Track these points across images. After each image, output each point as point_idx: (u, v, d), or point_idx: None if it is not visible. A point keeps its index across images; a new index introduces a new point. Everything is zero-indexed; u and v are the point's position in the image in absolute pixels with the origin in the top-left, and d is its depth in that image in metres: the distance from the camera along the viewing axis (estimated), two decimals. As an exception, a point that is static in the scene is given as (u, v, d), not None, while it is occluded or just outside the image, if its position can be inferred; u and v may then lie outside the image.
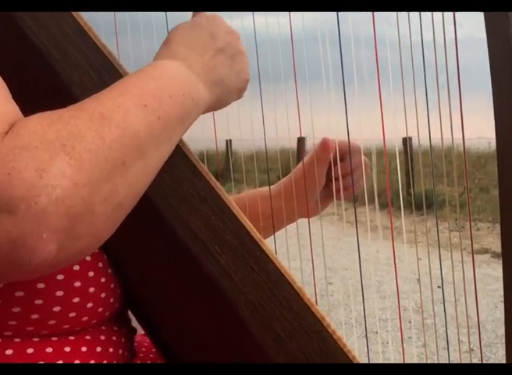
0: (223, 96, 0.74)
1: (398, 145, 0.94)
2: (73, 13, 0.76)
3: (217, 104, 0.74)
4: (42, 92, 0.72)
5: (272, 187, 1.07)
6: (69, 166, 0.50)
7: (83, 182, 0.50)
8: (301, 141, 3.29)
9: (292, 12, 0.81)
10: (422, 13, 0.71)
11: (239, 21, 0.81)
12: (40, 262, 0.50)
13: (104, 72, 0.75)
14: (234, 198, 0.98)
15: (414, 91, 0.76)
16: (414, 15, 0.72)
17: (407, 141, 7.51)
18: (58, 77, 0.72)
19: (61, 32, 0.74)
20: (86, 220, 0.51)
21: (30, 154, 0.49)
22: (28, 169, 0.48)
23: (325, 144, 1.02)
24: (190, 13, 0.81)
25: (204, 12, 0.79)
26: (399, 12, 0.73)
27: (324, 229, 1.01)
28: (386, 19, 0.76)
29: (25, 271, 0.51)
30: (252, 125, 0.90)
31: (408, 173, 6.90)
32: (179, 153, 0.77)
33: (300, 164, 1.07)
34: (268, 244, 0.80)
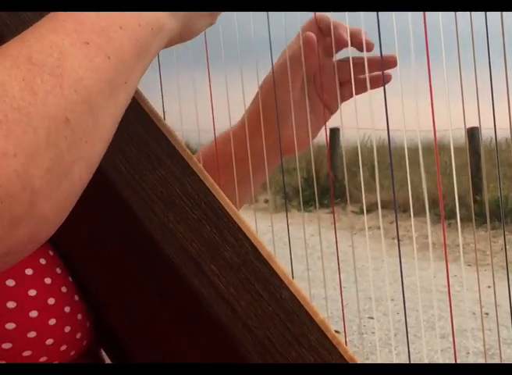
0: (191, 19, 0.72)
1: (455, 138, 0.93)
2: None
3: (184, 31, 0.71)
4: None
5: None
6: None
7: (14, 150, 0.48)
8: (334, 132, 3.28)
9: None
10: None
11: None
12: None
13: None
14: (202, 152, 0.97)
15: (475, 66, 0.75)
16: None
17: (471, 133, 7.49)
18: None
19: None
20: (24, 199, 0.49)
21: None
22: None
23: (308, 40, 0.98)
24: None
25: None
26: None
27: (363, 246, 1.00)
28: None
29: None
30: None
31: (474, 174, 6.86)
32: (165, 146, 0.77)
33: (268, 76, 1.03)
34: (283, 263, 0.80)
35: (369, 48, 0.94)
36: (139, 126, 0.76)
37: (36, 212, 0.51)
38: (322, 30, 1.00)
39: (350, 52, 0.94)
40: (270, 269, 0.77)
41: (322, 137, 1.08)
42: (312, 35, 0.97)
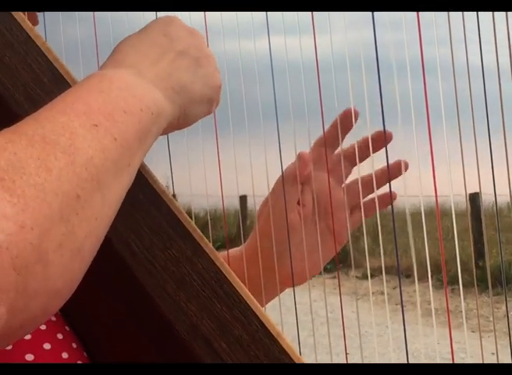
0: (189, 107, 0.74)
1: (456, 203, 0.93)
2: (49, 54, 0.78)
3: (182, 118, 0.74)
4: None
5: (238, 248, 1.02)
6: (11, 204, 0.49)
7: (31, 224, 0.50)
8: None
9: (317, 33, 0.82)
10: (483, 33, 0.72)
11: (250, 43, 0.83)
12: None
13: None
14: None
15: (474, 132, 0.76)
16: (471, 33, 0.73)
17: (473, 198, 7.49)
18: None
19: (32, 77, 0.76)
20: (39, 273, 0.50)
21: None
22: None
23: (302, 158, 0.96)
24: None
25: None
26: (452, 32, 0.74)
27: (366, 312, 0.99)
28: (436, 40, 0.76)
29: None
30: (269, 177, 0.91)
31: (476, 239, 6.84)
32: (176, 226, 0.78)
33: (263, 204, 1.01)
34: (285, 329, 0.79)
35: (389, 139, 0.93)
36: (151, 206, 0.77)
37: (49, 286, 0.52)
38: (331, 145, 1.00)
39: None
40: (279, 347, 0.77)
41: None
42: (305, 152, 0.97)
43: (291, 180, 0.97)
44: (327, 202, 1.00)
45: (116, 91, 0.64)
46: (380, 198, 0.97)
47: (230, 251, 0.99)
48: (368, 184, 0.96)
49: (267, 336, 0.77)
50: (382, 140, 0.92)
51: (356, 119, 0.94)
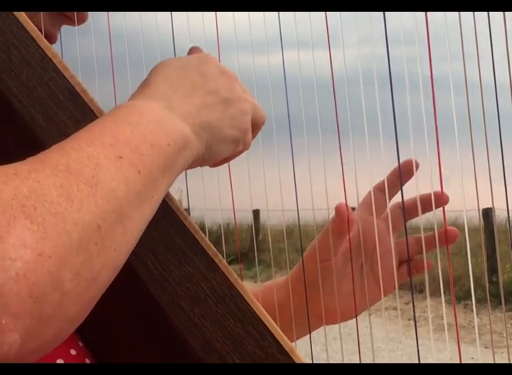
0: (214, 145, 0.75)
1: (469, 218, 0.92)
2: (65, 71, 0.78)
3: (207, 155, 0.75)
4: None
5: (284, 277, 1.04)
6: (30, 232, 0.50)
7: (49, 252, 0.50)
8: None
9: (332, 48, 0.82)
10: (495, 48, 0.72)
11: (264, 57, 0.83)
12: (1, 358, 0.49)
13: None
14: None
15: (487, 148, 0.75)
16: (484, 49, 0.73)
17: (486, 214, 7.45)
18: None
19: (49, 95, 0.76)
20: (54, 300, 0.51)
21: None
22: None
23: (338, 212, 0.98)
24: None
25: (198, 51, 0.81)
26: (464, 48, 0.74)
27: (380, 328, 0.99)
28: (448, 56, 0.76)
29: None
30: (282, 192, 0.91)
31: (489, 255, 6.79)
32: (191, 243, 0.79)
33: (314, 241, 1.03)
34: (299, 344, 0.79)
35: (443, 202, 0.94)
36: (166, 223, 0.78)
37: (63, 313, 0.52)
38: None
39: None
40: (292, 363, 0.77)
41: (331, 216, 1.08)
42: (342, 206, 0.97)
43: (336, 234, 0.99)
44: (374, 249, 1.01)
45: (145, 125, 0.65)
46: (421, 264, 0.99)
47: (272, 281, 1.03)
48: (418, 242, 0.97)
49: (280, 352, 0.77)
50: (438, 201, 0.93)
51: (416, 169, 0.94)
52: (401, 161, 0.93)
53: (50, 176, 0.54)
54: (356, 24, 0.83)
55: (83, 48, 0.85)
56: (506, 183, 0.78)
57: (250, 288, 0.99)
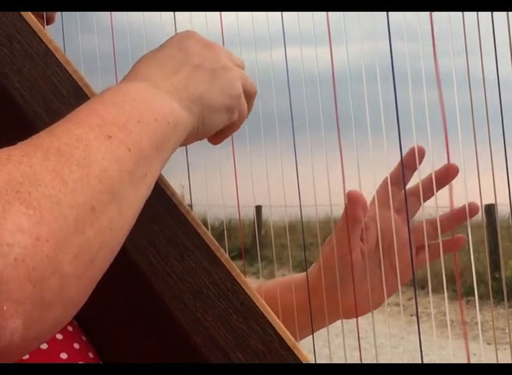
0: (207, 116, 0.75)
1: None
2: (68, 66, 0.78)
3: (201, 127, 0.75)
4: None
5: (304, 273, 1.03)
6: (26, 216, 0.50)
7: (47, 236, 0.50)
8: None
9: (333, 44, 0.82)
10: (498, 42, 0.71)
11: (267, 54, 0.83)
12: (3, 344, 0.49)
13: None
14: (263, 288, 0.97)
15: (490, 144, 0.75)
16: (487, 43, 0.73)
17: (488, 210, 7.44)
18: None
19: (51, 89, 0.76)
20: (54, 284, 0.51)
21: None
22: None
23: (350, 198, 0.97)
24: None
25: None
26: (467, 42, 0.73)
27: (382, 324, 0.99)
28: (451, 51, 0.76)
29: None
30: (285, 188, 0.90)
31: (491, 251, 6.79)
32: (193, 237, 0.79)
33: (328, 238, 1.02)
34: (302, 344, 0.79)
35: (454, 172, 0.93)
36: (168, 217, 0.78)
37: (64, 297, 0.52)
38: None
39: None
40: (295, 358, 0.77)
41: (335, 212, 1.08)
42: (356, 192, 0.97)
43: (352, 221, 0.98)
44: (392, 241, 1.00)
45: (130, 103, 0.65)
46: (446, 242, 0.98)
47: (288, 278, 1.03)
48: (434, 226, 0.97)
49: (283, 347, 0.77)
50: (446, 176, 0.92)
51: (422, 158, 0.94)
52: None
53: (42, 160, 0.54)
54: (359, 20, 0.83)
55: (86, 44, 0.85)
56: (509, 179, 0.78)
57: (257, 284, 1.00)
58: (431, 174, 0.94)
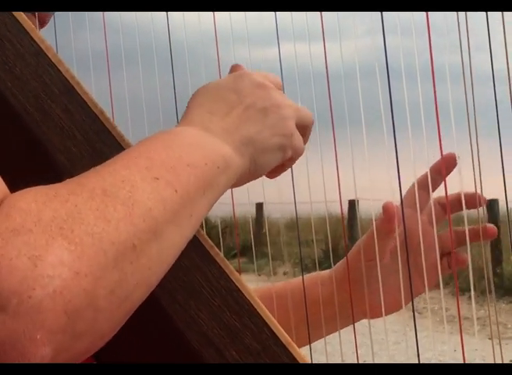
0: (259, 157, 0.75)
1: (474, 209, 0.92)
2: (60, 65, 0.78)
3: (254, 168, 0.75)
4: (25, 163, 0.74)
5: (327, 271, 1.04)
6: (68, 251, 0.51)
7: (86, 271, 0.52)
8: (352, 204, 3.25)
9: (327, 40, 0.81)
10: (492, 37, 0.71)
11: (260, 50, 0.82)
12: None
13: (94, 135, 0.76)
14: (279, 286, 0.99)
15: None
16: (482, 40, 0.72)
17: (490, 205, 7.44)
18: (42, 144, 0.74)
19: (43, 88, 0.76)
20: (88, 317, 0.52)
21: (23, 238, 0.51)
22: (20, 256, 0.50)
23: (386, 211, 0.98)
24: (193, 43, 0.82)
25: (237, 69, 0.80)
26: (462, 38, 0.73)
27: (382, 319, 0.99)
28: (447, 47, 0.76)
29: None
30: (287, 185, 0.90)
31: (493, 246, 6.78)
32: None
33: (360, 240, 1.03)
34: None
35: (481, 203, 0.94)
36: None
37: (95, 329, 0.54)
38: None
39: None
40: (289, 355, 0.76)
41: (337, 209, 1.07)
42: (390, 204, 0.98)
43: (387, 233, 0.99)
44: (418, 243, 0.99)
45: (180, 146, 0.66)
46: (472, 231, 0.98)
47: (315, 274, 1.04)
48: (459, 236, 0.98)
49: (277, 344, 0.76)
50: (474, 201, 0.93)
51: (455, 166, 0.94)
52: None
53: (87, 200, 0.55)
54: (353, 17, 0.82)
55: (79, 42, 0.85)
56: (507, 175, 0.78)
57: (258, 282, 1.00)
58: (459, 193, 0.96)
